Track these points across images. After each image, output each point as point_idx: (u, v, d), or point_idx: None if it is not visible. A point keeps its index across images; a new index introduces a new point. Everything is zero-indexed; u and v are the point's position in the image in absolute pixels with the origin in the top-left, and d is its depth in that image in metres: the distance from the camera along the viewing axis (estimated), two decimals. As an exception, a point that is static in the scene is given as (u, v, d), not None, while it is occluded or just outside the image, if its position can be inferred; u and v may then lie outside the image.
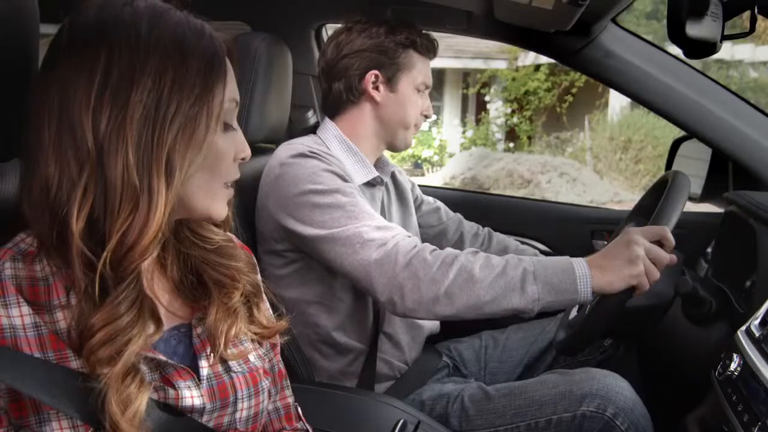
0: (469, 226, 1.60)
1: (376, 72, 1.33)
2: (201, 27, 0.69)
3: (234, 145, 0.73)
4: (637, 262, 1.07)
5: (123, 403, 0.63)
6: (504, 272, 1.09)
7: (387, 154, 1.47)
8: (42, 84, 0.65)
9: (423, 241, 1.47)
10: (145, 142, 0.63)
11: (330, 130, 1.36)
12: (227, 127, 0.72)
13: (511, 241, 1.59)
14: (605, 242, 1.44)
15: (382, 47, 1.33)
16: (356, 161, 1.34)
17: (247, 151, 0.74)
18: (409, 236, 1.17)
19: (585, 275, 1.08)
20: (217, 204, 0.73)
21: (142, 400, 0.64)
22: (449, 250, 1.13)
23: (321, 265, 1.23)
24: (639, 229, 1.11)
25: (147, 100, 0.63)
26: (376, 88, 1.34)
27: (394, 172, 1.51)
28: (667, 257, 1.10)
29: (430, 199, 1.62)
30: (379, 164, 1.43)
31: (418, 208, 1.58)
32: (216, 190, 0.72)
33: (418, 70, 1.36)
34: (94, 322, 0.63)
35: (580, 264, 1.09)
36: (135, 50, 0.64)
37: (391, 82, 1.34)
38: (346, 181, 1.22)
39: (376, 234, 1.14)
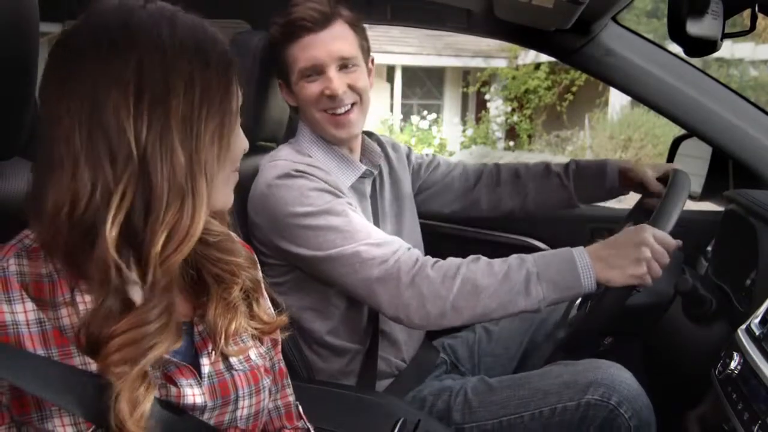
0: (472, 170, 1.56)
1: (280, 80, 1.30)
2: (213, 33, 0.69)
3: (242, 139, 0.75)
4: (642, 264, 1.07)
5: (132, 404, 0.63)
6: (507, 277, 1.09)
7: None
8: (62, 90, 0.63)
9: (432, 198, 1.48)
10: (188, 145, 0.64)
11: (305, 132, 1.31)
12: (238, 120, 0.73)
13: (521, 165, 1.54)
14: (605, 233, 1.44)
15: (274, 55, 1.27)
16: (340, 161, 1.30)
17: (247, 143, 0.76)
18: (409, 248, 1.16)
19: (588, 268, 1.08)
20: (230, 191, 0.75)
21: (148, 402, 0.64)
22: (450, 261, 1.13)
23: (316, 278, 1.22)
24: (651, 230, 1.10)
25: (183, 104, 0.64)
26: (288, 95, 1.30)
27: (388, 153, 1.45)
28: (668, 261, 1.10)
29: (428, 157, 1.57)
30: (367, 154, 1.37)
31: (417, 173, 1.53)
32: (230, 179, 0.74)
33: (293, 61, 1.23)
34: (117, 327, 0.62)
35: (582, 257, 1.09)
36: (164, 55, 0.64)
37: (288, 85, 1.28)
38: (336, 195, 1.20)
39: (376, 252, 1.13)
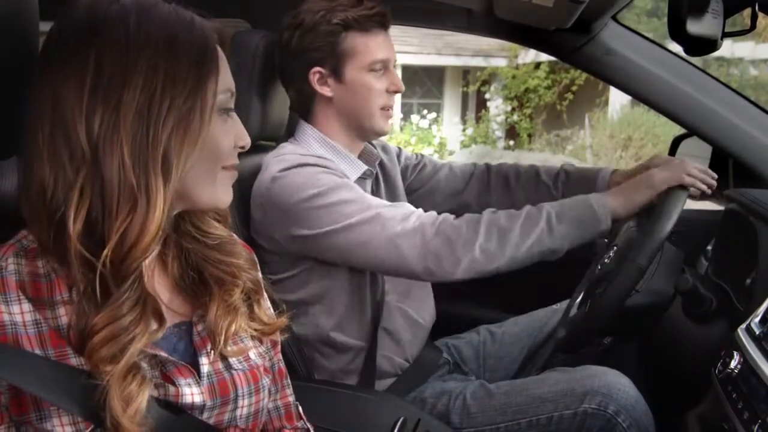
0: (461, 171, 1.55)
1: (318, 69, 1.26)
2: (191, 19, 0.68)
3: (232, 133, 0.73)
4: (656, 183, 1.19)
5: (125, 401, 0.63)
6: (529, 218, 1.15)
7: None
8: (37, 84, 0.65)
9: (421, 199, 1.50)
10: (141, 141, 0.63)
11: (308, 132, 1.31)
12: (223, 116, 0.71)
13: (511, 171, 1.53)
14: (604, 240, 1.44)
15: (316, 41, 1.24)
16: (341, 159, 1.30)
17: (247, 140, 0.74)
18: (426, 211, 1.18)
19: (603, 205, 1.16)
20: (221, 189, 0.73)
21: (143, 398, 0.64)
22: (470, 214, 1.17)
23: (331, 259, 1.22)
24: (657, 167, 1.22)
25: (140, 99, 0.63)
26: (325, 84, 1.27)
27: (381, 158, 1.46)
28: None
29: (416, 158, 1.56)
30: (365, 156, 1.39)
31: (404, 174, 1.52)
32: (216, 177, 0.72)
33: (364, 51, 1.24)
34: (96, 322, 0.62)
35: (595, 196, 1.18)
36: (125, 48, 0.63)
37: (337, 73, 1.26)
38: (342, 177, 1.21)
39: (396, 211, 1.16)
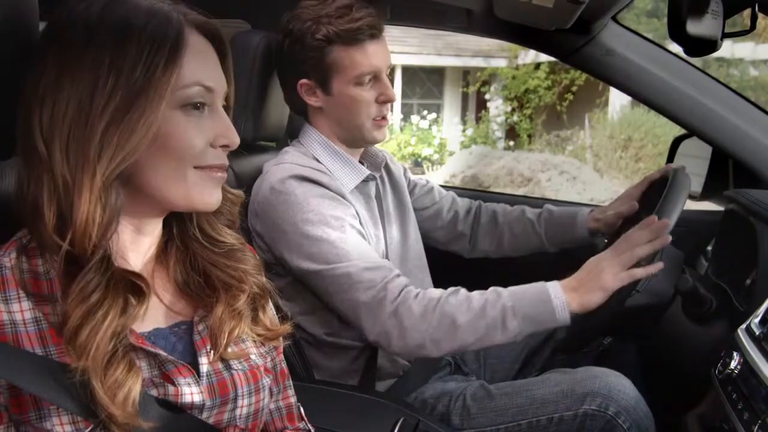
0: (462, 203, 1.59)
1: (305, 81, 1.25)
2: (156, 10, 0.67)
3: (204, 130, 0.70)
4: (608, 286, 1.09)
5: (111, 389, 0.62)
6: (484, 313, 1.11)
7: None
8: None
9: (419, 221, 1.50)
10: (78, 135, 0.64)
11: (311, 135, 1.31)
12: (190, 111, 0.68)
13: (499, 208, 1.56)
14: (606, 239, 1.44)
15: (302, 53, 1.22)
16: (344, 164, 1.30)
17: (229, 139, 0.71)
18: (398, 275, 1.16)
19: (562, 301, 1.10)
20: (196, 190, 0.70)
21: (132, 385, 0.64)
22: (431, 294, 1.13)
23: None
24: (607, 254, 1.11)
25: (82, 94, 0.64)
26: (313, 95, 1.27)
27: (387, 160, 1.46)
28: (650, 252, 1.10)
29: (423, 180, 1.60)
30: (369, 157, 1.39)
31: (411, 191, 1.55)
32: (187, 176, 0.69)
33: (349, 65, 1.22)
34: (68, 306, 0.63)
35: (555, 290, 1.11)
36: (75, 45, 0.64)
37: (324, 86, 1.25)
38: (338, 202, 1.21)
39: (365, 275, 1.14)
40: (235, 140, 0.72)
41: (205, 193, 0.71)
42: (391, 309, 1.12)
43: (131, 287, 0.67)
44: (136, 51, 0.64)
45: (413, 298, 1.13)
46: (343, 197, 1.24)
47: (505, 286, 1.15)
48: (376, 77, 1.25)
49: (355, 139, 1.31)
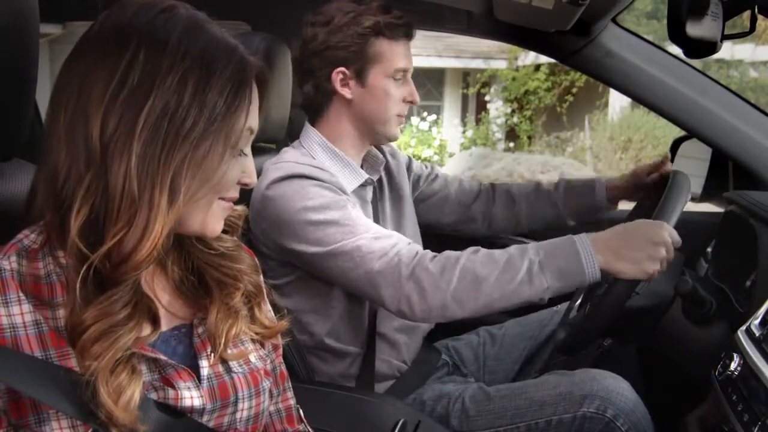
0: (470, 186, 1.58)
1: (342, 69, 1.25)
2: (234, 47, 0.67)
3: (240, 168, 0.72)
4: (657, 262, 1.07)
5: (115, 393, 0.63)
6: (509, 266, 1.08)
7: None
8: (66, 71, 0.65)
9: (427, 210, 1.50)
10: (152, 154, 0.62)
11: (312, 137, 1.31)
12: (235, 152, 0.70)
13: (513, 186, 1.56)
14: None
15: (344, 41, 1.23)
16: (343, 167, 1.30)
17: (253, 179, 0.73)
18: (409, 243, 1.16)
19: (591, 256, 1.07)
20: (212, 220, 0.71)
21: (135, 389, 0.64)
22: (449, 253, 1.12)
23: (320, 277, 1.22)
24: (669, 230, 1.10)
25: (161, 112, 0.62)
26: (346, 86, 1.27)
27: (388, 161, 1.46)
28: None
29: (428, 169, 1.58)
30: (369, 160, 1.39)
31: (416, 184, 1.54)
32: (212, 208, 0.71)
33: (389, 57, 1.25)
34: (86, 317, 0.62)
35: (585, 246, 1.08)
36: (159, 57, 0.63)
37: (360, 76, 1.26)
38: (336, 192, 1.20)
39: (376, 245, 1.13)
40: (255, 180, 0.74)
41: (217, 223, 0.72)
42: (407, 272, 1.10)
43: (150, 312, 0.68)
44: (220, 89, 0.65)
45: (429, 260, 1.12)
46: (342, 190, 1.24)
47: None
48: (405, 76, 1.29)
49: (376, 133, 1.32)
